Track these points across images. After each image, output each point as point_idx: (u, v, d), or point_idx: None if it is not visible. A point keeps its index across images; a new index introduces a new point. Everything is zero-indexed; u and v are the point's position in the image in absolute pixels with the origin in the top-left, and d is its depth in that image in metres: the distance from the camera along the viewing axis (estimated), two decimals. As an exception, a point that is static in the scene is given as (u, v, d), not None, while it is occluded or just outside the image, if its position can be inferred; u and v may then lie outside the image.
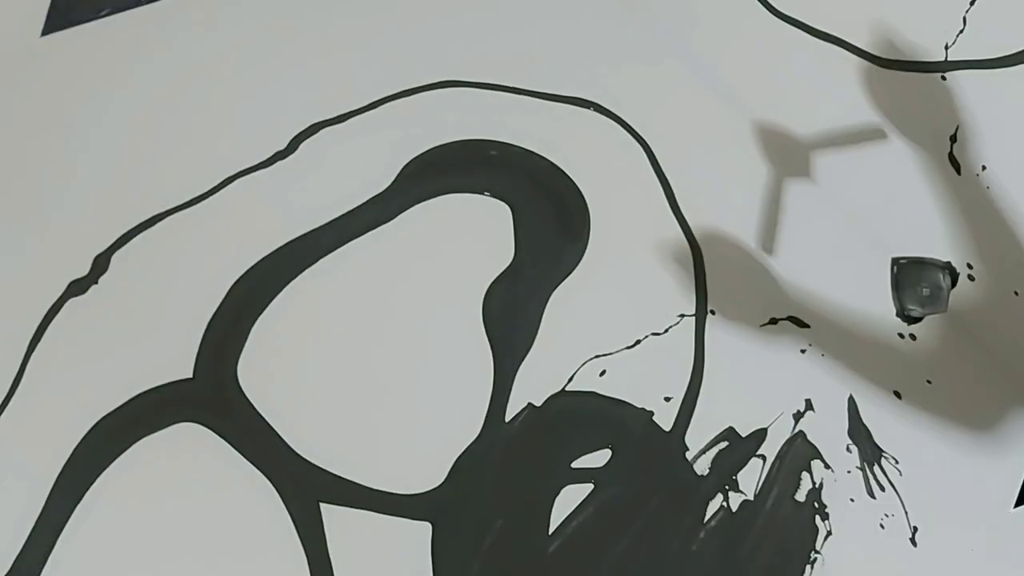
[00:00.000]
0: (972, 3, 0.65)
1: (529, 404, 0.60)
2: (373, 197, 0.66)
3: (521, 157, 0.72)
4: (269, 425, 0.57)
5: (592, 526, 0.58)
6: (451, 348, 0.61)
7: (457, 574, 0.53)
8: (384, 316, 0.61)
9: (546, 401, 0.61)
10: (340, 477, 0.55)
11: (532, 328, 0.64)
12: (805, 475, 0.66)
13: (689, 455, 0.64)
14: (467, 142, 0.71)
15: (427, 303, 0.62)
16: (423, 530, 0.54)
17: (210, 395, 0.57)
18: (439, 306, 0.62)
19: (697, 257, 0.73)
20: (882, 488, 0.68)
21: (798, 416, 0.69)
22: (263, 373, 0.59)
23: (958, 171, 0.67)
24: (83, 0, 0.75)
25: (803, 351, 0.71)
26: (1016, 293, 0.66)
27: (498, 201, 0.69)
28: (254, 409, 0.57)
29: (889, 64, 0.71)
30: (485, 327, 0.63)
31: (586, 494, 0.59)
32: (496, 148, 0.71)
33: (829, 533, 0.64)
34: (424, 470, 0.56)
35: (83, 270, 0.62)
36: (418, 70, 0.75)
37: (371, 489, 0.55)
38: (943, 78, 0.67)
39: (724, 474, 0.64)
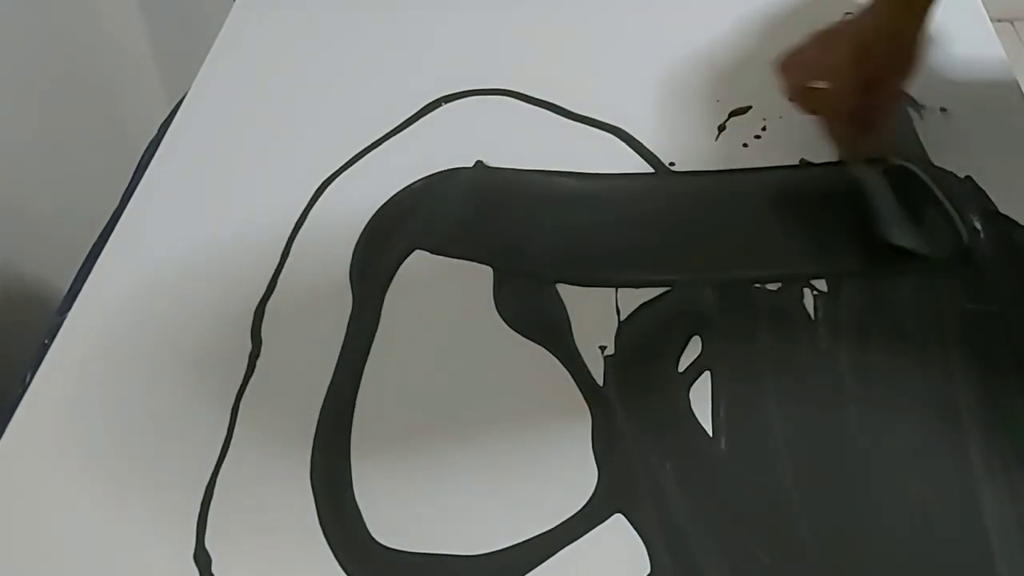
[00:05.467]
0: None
1: (606, 359, 0.60)
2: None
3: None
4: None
5: (737, 403, 0.57)
6: (515, 374, 0.61)
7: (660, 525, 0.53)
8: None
9: (616, 345, 0.61)
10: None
11: (556, 300, 0.64)
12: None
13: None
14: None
15: (468, 347, 0.62)
16: (617, 520, 0.54)
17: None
18: (478, 349, 0.62)
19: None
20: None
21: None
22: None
23: None
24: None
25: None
26: None
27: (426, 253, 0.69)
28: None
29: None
30: (521, 333, 0.62)
31: (709, 384, 0.58)
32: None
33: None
34: (573, 476, 0.55)
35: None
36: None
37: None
38: None
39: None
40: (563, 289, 0.65)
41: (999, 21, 1.72)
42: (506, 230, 0.69)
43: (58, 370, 0.63)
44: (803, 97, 0.64)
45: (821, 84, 0.61)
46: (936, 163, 0.69)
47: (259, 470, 0.57)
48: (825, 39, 0.64)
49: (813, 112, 0.65)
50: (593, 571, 0.51)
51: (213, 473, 0.57)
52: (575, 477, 0.55)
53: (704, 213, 0.69)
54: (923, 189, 0.67)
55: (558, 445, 0.57)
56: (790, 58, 0.65)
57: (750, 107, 0.75)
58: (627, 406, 0.58)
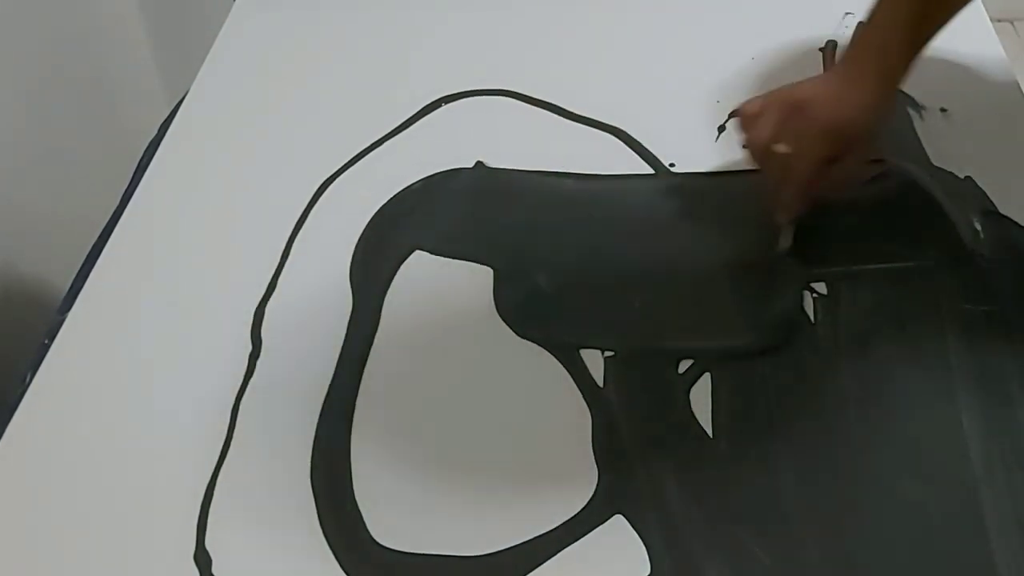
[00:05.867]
0: None
1: (606, 360, 0.60)
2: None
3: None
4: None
5: (737, 404, 0.57)
6: (515, 375, 0.60)
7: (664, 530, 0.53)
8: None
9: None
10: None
11: (556, 302, 0.64)
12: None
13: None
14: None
15: (474, 359, 0.62)
16: (617, 521, 0.54)
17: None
18: (480, 347, 0.62)
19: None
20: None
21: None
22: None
23: None
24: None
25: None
26: None
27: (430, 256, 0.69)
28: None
29: None
30: (519, 334, 0.62)
31: (709, 385, 0.58)
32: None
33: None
34: (573, 477, 0.55)
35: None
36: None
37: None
38: None
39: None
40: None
41: (999, 21, 1.71)
42: (506, 230, 0.69)
43: (58, 370, 0.63)
44: (761, 156, 0.61)
45: (783, 148, 0.59)
46: (936, 163, 0.69)
47: (259, 470, 0.57)
48: (795, 103, 0.60)
49: (767, 172, 0.63)
50: (593, 571, 0.51)
51: (213, 473, 0.57)
52: (575, 477, 0.55)
53: (704, 215, 0.69)
54: (923, 191, 0.67)
55: (558, 445, 0.57)
56: (752, 111, 0.62)
57: (750, 107, 0.75)
58: (627, 407, 0.58)
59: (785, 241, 0.63)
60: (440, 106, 0.79)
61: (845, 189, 0.64)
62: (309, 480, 0.56)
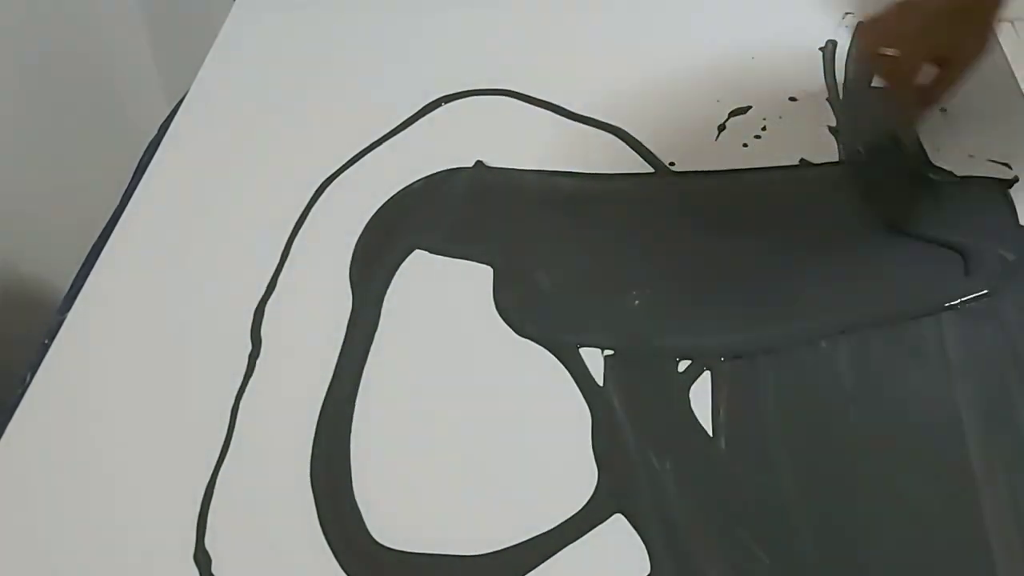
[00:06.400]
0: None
1: (606, 359, 0.60)
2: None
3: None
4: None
5: (737, 403, 0.57)
6: (515, 374, 0.61)
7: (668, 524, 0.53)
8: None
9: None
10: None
11: (556, 301, 0.64)
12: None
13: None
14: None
15: (463, 351, 0.62)
16: (617, 520, 0.54)
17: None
18: (474, 346, 0.62)
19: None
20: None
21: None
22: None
23: None
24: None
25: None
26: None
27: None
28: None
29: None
30: (519, 333, 0.62)
31: (709, 384, 0.58)
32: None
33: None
34: (573, 476, 0.55)
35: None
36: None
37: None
38: None
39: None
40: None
41: (999, 21, 1.70)
42: (506, 230, 0.69)
43: (58, 370, 0.63)
44: (873, 62, 0.65)
45: (891, 52, 0.62)
46: (936, 163, 0.69)
47: (259, 470, 0.57)
48: (904, 8, 0.63)
49: (881, 78, 0.66)
50: (593, 571, 0.51)
51: (213, 473, 0.57)
52: (575, 477, 0.55)
53: (704, 215, 0.69)
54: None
55: (558, 445, 0.57)
56: (870, 22, 0.66)
57: (750, 107, 0.75)
58: (627, 406, 0.58)
59: (911, 146, 0.66)
60: (440, 106, 0.79)
61: (951, 91, 0.65)
62: (309, 480, 0.56)
